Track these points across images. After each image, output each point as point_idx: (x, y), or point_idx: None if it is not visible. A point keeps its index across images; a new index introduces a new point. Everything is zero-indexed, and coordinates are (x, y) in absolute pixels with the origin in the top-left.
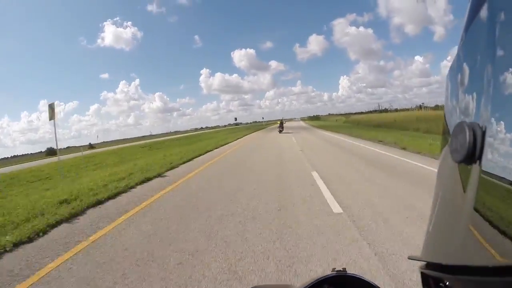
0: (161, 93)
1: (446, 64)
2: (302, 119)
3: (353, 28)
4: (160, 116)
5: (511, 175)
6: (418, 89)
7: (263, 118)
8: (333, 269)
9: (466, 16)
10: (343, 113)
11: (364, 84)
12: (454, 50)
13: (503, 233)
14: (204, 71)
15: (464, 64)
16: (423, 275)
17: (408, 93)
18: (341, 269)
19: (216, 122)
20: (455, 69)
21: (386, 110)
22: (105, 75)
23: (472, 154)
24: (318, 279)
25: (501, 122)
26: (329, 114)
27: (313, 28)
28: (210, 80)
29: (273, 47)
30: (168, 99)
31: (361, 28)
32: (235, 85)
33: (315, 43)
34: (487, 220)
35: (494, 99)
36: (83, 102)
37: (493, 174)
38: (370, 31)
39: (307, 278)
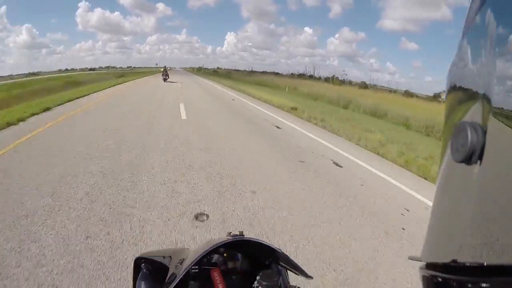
0: (29, 25)
1: (333, 40)
2: (186, 69)
3: None
4: (26, 53)
5: (511, 175)
6: (301, 58)
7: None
8: (229, 233)
9: (467, 14)
10: (228, 68)
11: (251, 44)
12: (344, 30)
13: (503, 233)
14: (83, 4)
15: (465, 62)
16: (423, 276)
17: (291, 60)
18: (238, 233)
19: (90, 64)
20: (456, 68)
21: (331, 79)
22: None
23: (473, 154)
24: (215, 245)
25: (503, 121)
26: (217, 68)
27: None
28: (88, 15)
29: None
30: (37, 33)
31: None
32: (115, 25)
33: None
34: (487, 220)
35: (496, 98)
36: None
37: (494, 174)
38: None
39: (203, 242)
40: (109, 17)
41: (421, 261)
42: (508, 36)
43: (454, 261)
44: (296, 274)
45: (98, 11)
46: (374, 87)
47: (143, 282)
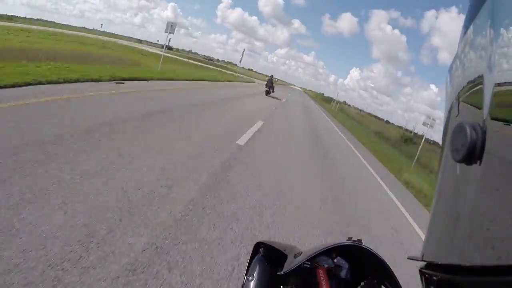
0: (175, 4)
1: None
2: (305, 91)
3: (390, 27)
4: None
5: (511, 175)
6: (419, 115)
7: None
8: (349, 238)
9: (466, 14)
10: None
11: (373, 85)
12: None
13: (503, 233)
14: (226, 0)
15: (464, 62)
16: (423, 276)
17: (408, 114)
18: (356, 240)
19: (220, 56)
20: (455, 67)
21: None
22: None
23: (473, 154)
24: (330, 246)
25: (502, 121)
26: (345, 102)
27: (351, 5)
28: (228, 11)
29: (303, 6)
30: (180, 13)
31: (397, 31)
32: (250, 28)
33: (346, 22)
34: (487, 220)
35: (495, 98)
36: None
37: (493, 174)
38: (404, 38)
39: (318, 243)
40: (246, 19)
41: (421, 260)
42: (508, 35)
43: (454, 261)
44: None
45: (238, 10)
46: None
47: (258, 264)
